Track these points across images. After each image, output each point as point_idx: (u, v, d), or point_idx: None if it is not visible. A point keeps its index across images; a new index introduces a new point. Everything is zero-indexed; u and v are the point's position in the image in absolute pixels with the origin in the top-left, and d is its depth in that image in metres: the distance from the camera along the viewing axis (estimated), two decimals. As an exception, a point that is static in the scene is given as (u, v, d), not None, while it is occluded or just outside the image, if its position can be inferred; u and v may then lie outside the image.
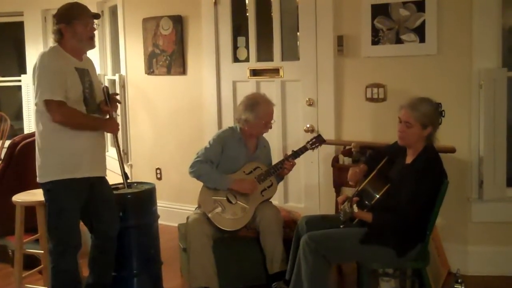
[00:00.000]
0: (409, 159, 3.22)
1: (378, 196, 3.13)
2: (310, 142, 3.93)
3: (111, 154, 5.54)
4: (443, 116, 3.18)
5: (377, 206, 3.11)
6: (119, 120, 5.63)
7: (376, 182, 3.21)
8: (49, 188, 3.18)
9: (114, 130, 3.37)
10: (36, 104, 3.12)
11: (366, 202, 3.15)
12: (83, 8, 3.25)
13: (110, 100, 3.35)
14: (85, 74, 3.24)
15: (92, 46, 3.28)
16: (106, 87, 3.42)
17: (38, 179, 3.22)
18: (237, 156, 3.87)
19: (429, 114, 3.12)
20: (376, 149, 3.76)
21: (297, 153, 3.90)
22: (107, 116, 3.37)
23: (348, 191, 3.44)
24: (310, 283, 3.10)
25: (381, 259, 3.16)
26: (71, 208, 3.19)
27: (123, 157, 3.60)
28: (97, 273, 3.45)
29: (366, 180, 3.24)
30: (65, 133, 3.13)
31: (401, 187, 3.09)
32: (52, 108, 3.06)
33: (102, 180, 3.40)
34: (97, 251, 3.41)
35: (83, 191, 3.24)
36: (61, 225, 3.19)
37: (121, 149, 3.49)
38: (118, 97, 3.50)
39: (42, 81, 3.06)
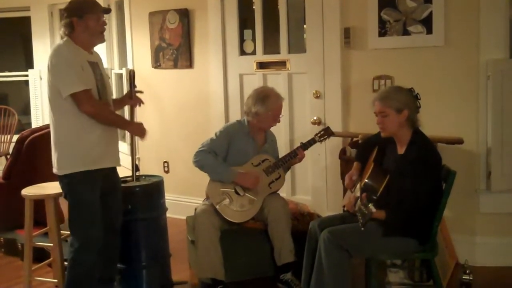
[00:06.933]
0: (401, 149, 3.21)
1: (381, 189, 3.12)
2: (319, 135, 3.92)
3: (119, 148, 5.55)
4: (419, 99, 3.20)
5: (383, 201, 3.09)
6: (126, 115, 5.65)
7: (376, 175, 3.20)
8: (68, 181, 3.19)
9: (142, 134, 3.48)
10: (65, 99, 3.07)
11: (373, 197, 3.13)
12: (95, 3, 3.29)
13: (134, 93, 3.44)
14: (96, 67, 3.27)
15: (102, 40, 3.32)
16: (132, 71, 3.44)
17: (56, 171, 3.22)
18: (245, 149, 3.87)
19: (400, 98, 3.15)
20: (362, 143, 3.72)
21: (305, 146, 3.89)
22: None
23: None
24: (333, 276, 3.09)
25: (404, 249, 3.15)
26: (90, 200, 3.20)
27: (134, 150, 3.66)
28: (102, 267, 3.42)
29: (367, 175, 3.22)
30: (81, 126, 3.14)
31: (401, 179, 3.07)
32: (81, 98, 3.06)
33: (114, 170, 3.43)
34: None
35: (98, 182, 3.25)
36: (82, 218, 3.20)
37: (134, 141, 3.59)
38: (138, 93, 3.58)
39: (64, 74, 3.06)
